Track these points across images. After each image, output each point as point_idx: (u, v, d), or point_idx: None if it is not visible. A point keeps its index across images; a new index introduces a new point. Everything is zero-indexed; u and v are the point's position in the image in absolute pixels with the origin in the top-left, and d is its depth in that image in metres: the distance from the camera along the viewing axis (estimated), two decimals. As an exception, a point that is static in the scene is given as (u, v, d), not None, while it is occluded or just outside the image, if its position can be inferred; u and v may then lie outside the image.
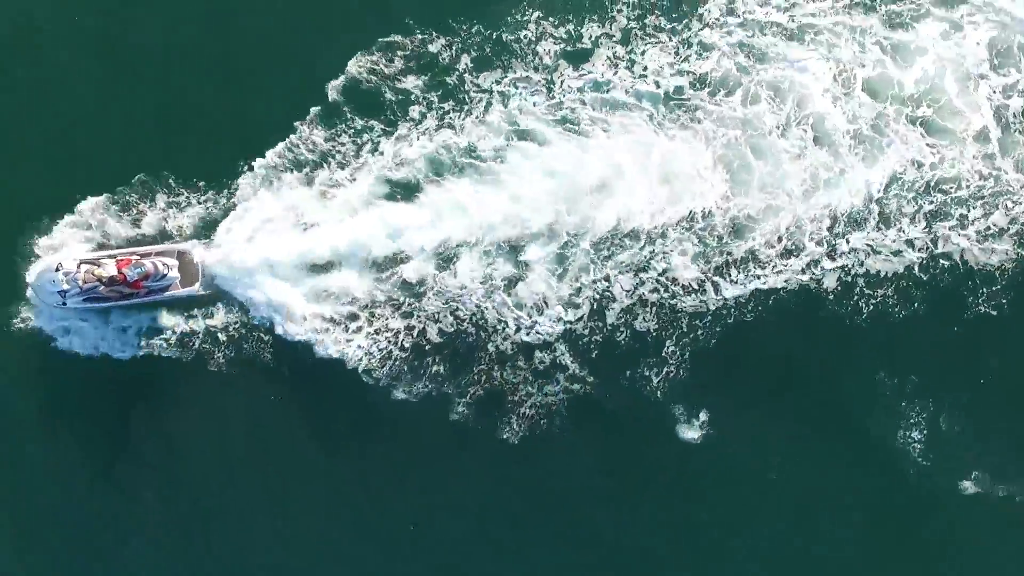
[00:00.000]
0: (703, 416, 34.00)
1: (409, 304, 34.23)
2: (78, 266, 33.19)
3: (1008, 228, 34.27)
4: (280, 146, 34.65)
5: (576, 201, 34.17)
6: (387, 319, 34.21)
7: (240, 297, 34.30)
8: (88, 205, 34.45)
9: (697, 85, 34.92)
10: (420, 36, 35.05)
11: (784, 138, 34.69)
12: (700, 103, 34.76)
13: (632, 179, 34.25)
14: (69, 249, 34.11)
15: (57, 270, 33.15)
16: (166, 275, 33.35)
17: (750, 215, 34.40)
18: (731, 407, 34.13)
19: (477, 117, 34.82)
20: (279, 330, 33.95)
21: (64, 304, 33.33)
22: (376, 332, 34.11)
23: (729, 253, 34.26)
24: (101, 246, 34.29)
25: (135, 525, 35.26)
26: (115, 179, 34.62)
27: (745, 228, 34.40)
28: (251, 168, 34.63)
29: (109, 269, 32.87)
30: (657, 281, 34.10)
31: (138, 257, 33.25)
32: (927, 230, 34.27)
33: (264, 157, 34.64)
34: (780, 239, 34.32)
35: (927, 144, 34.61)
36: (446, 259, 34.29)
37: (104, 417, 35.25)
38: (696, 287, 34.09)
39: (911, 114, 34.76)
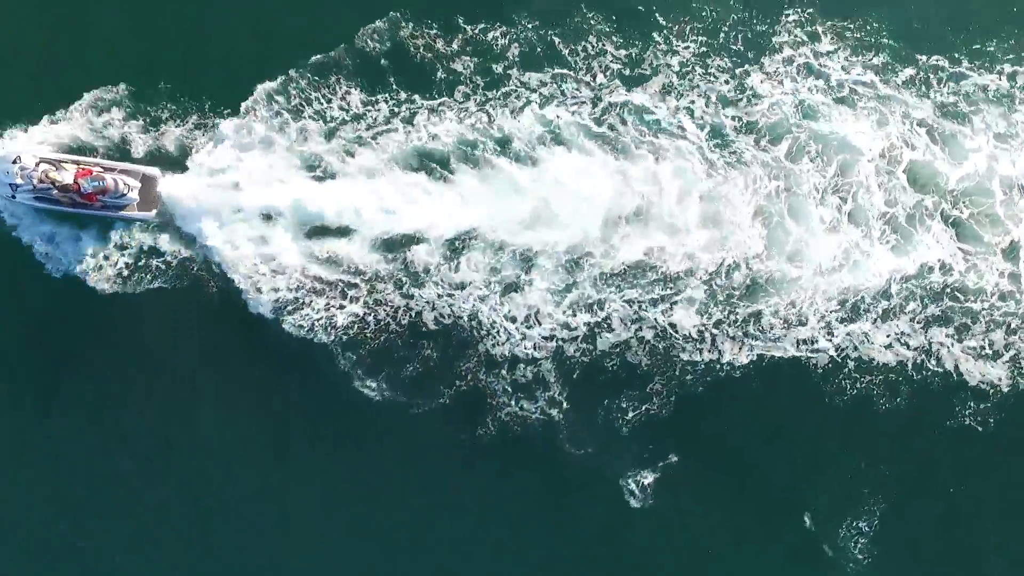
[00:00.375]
0: (673, 457, 33.93)
1: (409, 288, 33.65)
2: (37, 164, 32.15)
3: (1003, 353, 33.97)
4: (285, 85, 33.96)
5: (607, 227, 33.60)
6: (387, 293, 33.62)
7: (193, 233, 33.28)
8: (102, 93, 33.49)
9: (745, 129, 34.37)
10: (483, 24, 34.26)
11: (822, 205, 34.11)
12: (746, 146, 34.19)
13: (670, 210, 33.67)
14: (46, 140, 33.11)
15: (15, 163, 32.10)
16: (125, 195, 32.47)
17: (772, 279, 33.95)
18: (701, 457, 34.16)
19: (513, 112, 34.10)
20: (250, 294, 33.14)
21: (13, 197, 32.30)
22: (376, 303, 33.55)
23: (735, 313, 33.86)
24: (116, 147, 33.39)
25: (127, 511, 34.68)
26: (142, 81, 33.80)
27: (760, 291, 33.98)
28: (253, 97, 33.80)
29: (66, 176, 32.02)
30: (656, 321, 33.74)
31: (100, 170, 32.38)
32: (923, 330, 33.96)
33: (277, 102, 33.98)
34: (788, 309, 33.98)
35: (959, 247, 34.13)
36: (455, 251, 33.74)
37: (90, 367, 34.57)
38: (695, 336, 33.76)
39: (948, 211, 34.23)
